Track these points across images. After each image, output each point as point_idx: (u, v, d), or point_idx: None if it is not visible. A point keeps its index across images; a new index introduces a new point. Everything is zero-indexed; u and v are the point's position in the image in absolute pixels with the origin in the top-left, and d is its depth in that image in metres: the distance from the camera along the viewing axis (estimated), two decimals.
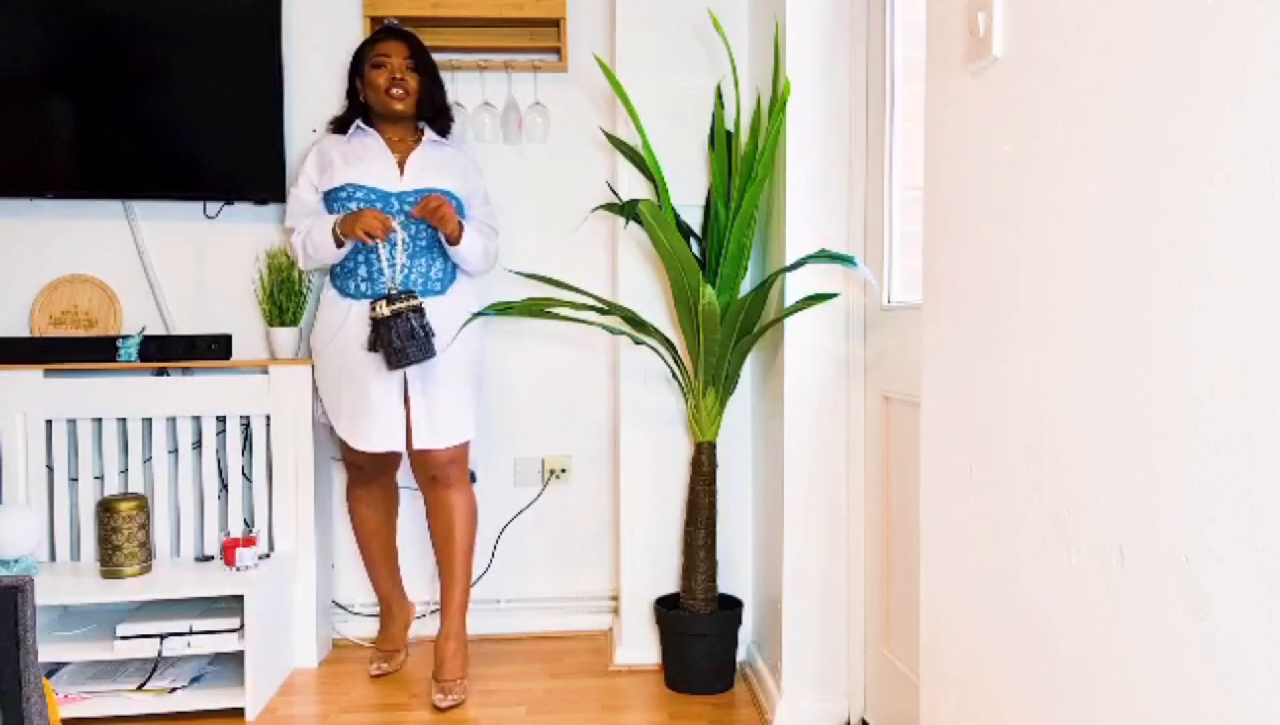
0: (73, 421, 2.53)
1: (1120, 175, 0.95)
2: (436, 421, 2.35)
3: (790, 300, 2.13)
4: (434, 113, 2.46)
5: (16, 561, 2.29)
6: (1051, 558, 1.08)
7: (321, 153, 2.44)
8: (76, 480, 2.54)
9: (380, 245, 2.31)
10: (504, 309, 2.33)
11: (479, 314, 2.34)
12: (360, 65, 2.41)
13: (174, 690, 2.25)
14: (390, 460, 2.47)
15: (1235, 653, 0.80)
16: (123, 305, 2.69)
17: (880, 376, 2.03)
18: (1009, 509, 1.18)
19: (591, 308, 2.33)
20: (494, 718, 2.25)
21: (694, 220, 2.54)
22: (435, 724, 2.22)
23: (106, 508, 2.33)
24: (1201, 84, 0.83)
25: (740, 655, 2.52)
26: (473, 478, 2.81)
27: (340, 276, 2.41)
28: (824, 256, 2.03)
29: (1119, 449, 0.95)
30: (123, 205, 2.70)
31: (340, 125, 2.46)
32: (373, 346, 2.29)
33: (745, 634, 2.57)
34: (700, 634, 2.36)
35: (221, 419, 2.59)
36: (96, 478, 2.54)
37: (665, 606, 2.44)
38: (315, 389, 2.51)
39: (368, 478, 2.53)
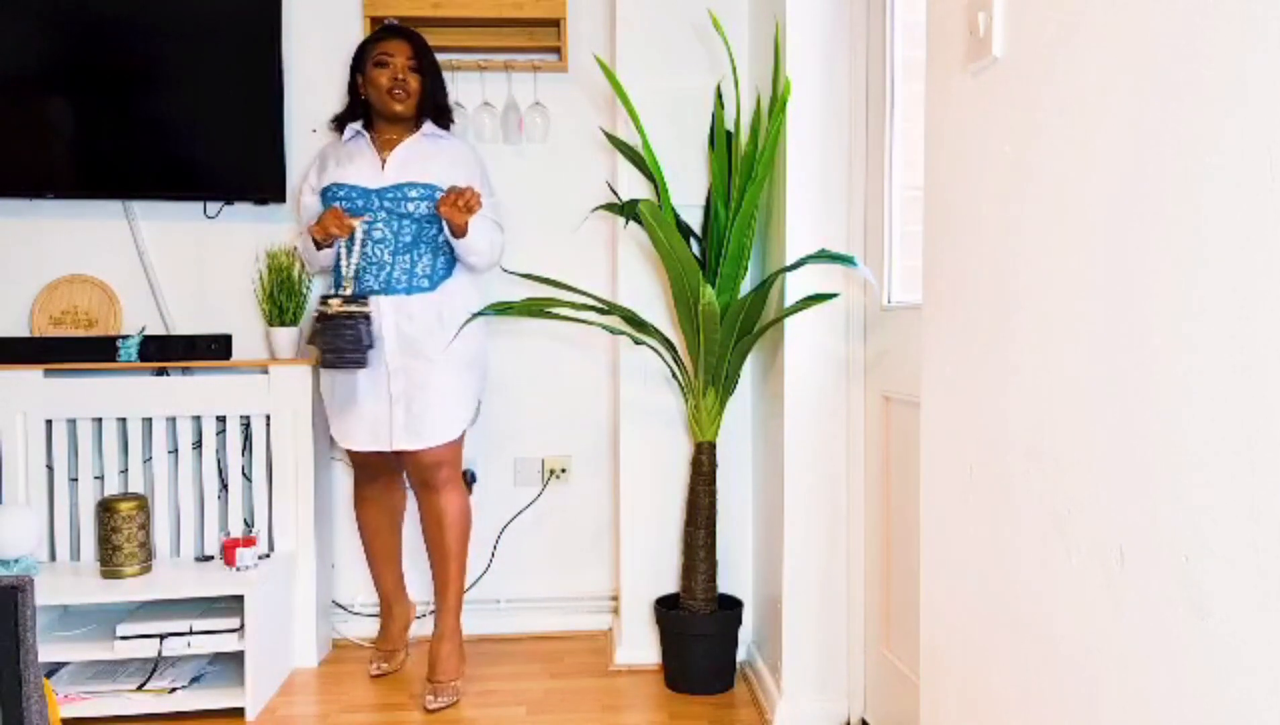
0: (73, 421, 2.53)
1: (1120, 175, 0.95)
2: (416, 422, 2.33)
3: (790, 300, 2.13)
4: (435, 113, 2.46)
5: (16, 561, 2.29)
6: (1051, 558, 1.08)
7: (322, 156, 2.46)
8: (76, 480, 2.54)
9: (341, 244, 2.31)
10: (504, 309, 2.33)
11: (478, 314, 2.33)
12: (363, 62, 2.40)
13: (174, 690, 2.25)
14: (392, 460, 2.47)
15: (1235, 653, 0.80)
16: (123, 305, 2.69)
17: (880, 376, 2.03)
18: (1009, 509, 1.18)
19: (591, 308, 2.33)
20: (494, 718, 2.25)
21: (694, 220, 2.54)
22: (434, 724, 2.23)
23: (106, 508, 2.33)
24: (1201, 84, 0.83)
25: (740, 655, 2.52)
26: (472, 478, 2.82)
27: (336, 276, 2.41)
28: (824, 256, 2.03)
29: (1119, 449, 0.95)
30: (123, 205, 2.70)
31: (340, 121, 2.47)
32: (311, 339, 2.30)
33: (745, 634, 2.57)
34: (700, 634, 2.37)
35: (221, 419, 2.59)
36: (96, 478, 2.54)
37: (665, 606, 2.44)
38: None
39: (371, 477, 2.53)
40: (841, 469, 2.16)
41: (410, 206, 2.32)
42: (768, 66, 2.30)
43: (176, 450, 2.59)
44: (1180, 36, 0.85)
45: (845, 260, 2.01)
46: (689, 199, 2.53)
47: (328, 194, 2.37)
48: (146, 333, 2.64)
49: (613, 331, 2.41)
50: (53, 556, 2.53)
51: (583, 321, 2.40)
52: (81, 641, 2.27)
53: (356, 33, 2.71)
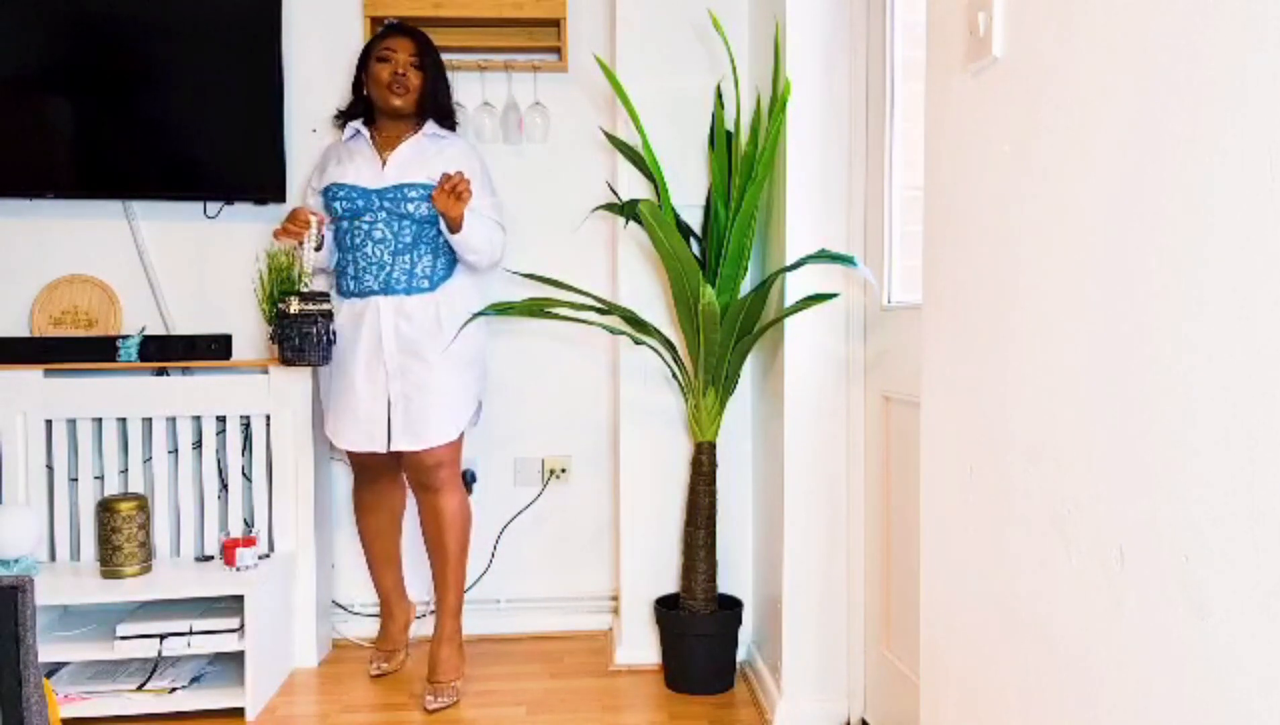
0: (73, 421, 2.53)
1: (1120, 175, 0.95)
2: (415, 423, 2.33)
3: (790, 300, 2.14)
4: (438, 113, 2.46)
5: (16, 561, 2.29)
6: (1051, 557, 1.08)
7: (324, 157, 2.48)
8: (76, 480, 2.54)
9: (308, 243, 2.29)
10: (504, 309, 2.33)
11: (479, 314, 2.34)
12: (367, 59, 2.42)
13: (174, 690, 2.25)
14: (391, 461, 2.47)
15: (1235, 653, 0.80)
16: (123, 305, 2.69)
17: (880, 376, 2.03)
18: (1009, 509, 1.18)
19: (591, 308, 2.33)
20: (494, 718, 2.25)
21: (694, 220, 2.54)
22: (434, 724, 2.23)
23: (106, 508, 2.33)
24: (1201, 84, 0.83)
25: (740, 655, 2.52)
26: (472, 478, 2.82)
27: (337, 276, 2.43)
28: (824, 256, 2.03)
29: (1119, 449, 0.95)
30: (123, 205, 2.70)
31: (344, 118, 2.47)
32: (272, 337, 2.32)
33: (745, 634, 2.57)
34: (700, 634, 2.36)
35: (221, 419, 2.59)
36: (96, 478, 2.54)
37: (665, 606, 2.44)
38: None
39: (371, 477, 2.53)
40: (841, 469, 2.16)
41: (410, 207, 2.32)
42: (768, 66, 2.30)
43: (176, 450, 2.59)
44: (1180, 36, 0.85)
45: (845, 260, 2.01)
46: (689, 199, 2.53)
47: (328, 194, 2.38)
48: (146, 333, 2.64)
49: (613, 331, 2.41)
50: (53, 556, 2.53)
51: (583, 321, 2.40)
52: (81, 641, 2.27)
53: (356, 33, 2.71)
